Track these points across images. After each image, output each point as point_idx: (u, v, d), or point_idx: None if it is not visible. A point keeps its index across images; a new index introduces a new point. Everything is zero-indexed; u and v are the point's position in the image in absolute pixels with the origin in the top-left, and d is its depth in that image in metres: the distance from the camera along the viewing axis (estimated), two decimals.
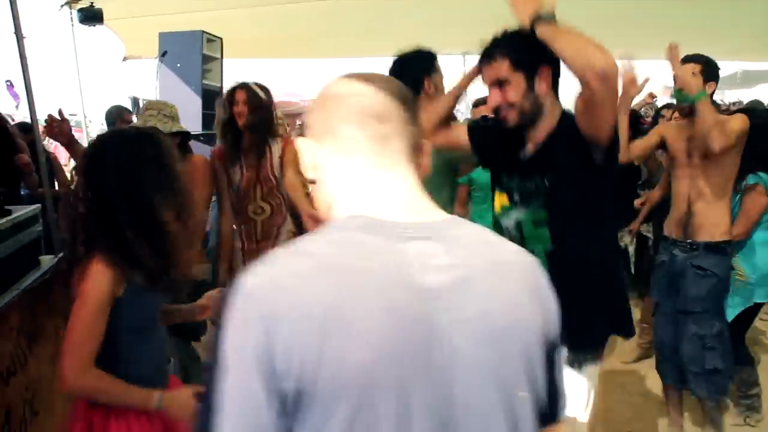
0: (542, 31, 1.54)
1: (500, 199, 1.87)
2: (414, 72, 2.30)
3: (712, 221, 2.61)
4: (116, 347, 1.50)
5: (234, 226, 3.04)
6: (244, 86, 2.90)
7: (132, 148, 1.52)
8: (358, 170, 0.80)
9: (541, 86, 1.66)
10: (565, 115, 1.70)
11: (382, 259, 0.72)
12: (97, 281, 1.44)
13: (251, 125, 2.87)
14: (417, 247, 0.74)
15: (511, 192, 1.83)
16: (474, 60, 1.86)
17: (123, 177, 1.48)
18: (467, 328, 0.73)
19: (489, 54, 1.68)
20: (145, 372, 1.56)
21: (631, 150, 2.87)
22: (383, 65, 2.53)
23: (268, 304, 0.67)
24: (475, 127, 2.03)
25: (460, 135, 2.00)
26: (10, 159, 3.58)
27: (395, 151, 0.80)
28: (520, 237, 1.79)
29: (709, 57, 2.67)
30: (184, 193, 1.55)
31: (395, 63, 2.35)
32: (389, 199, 0.79)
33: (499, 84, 1.67)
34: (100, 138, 1.69)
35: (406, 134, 0.81)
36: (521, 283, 0.79)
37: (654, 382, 3.09)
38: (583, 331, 1.73)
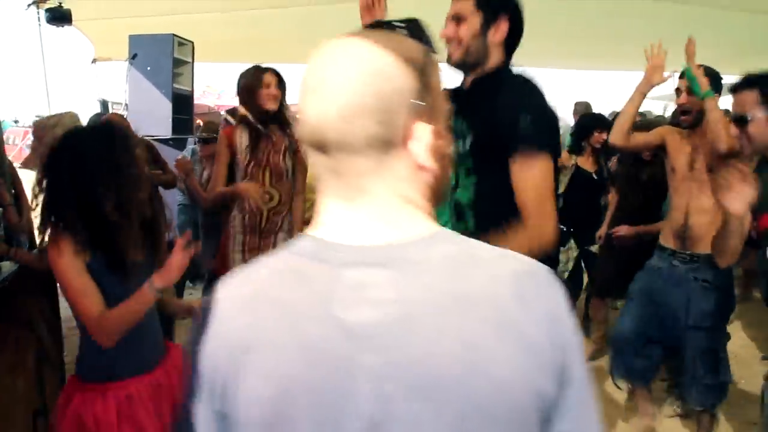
0: None
1: None
2: None
3: (711, 233, 2.45)
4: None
5: (235, 213, 2.92)
6: (271, 70, 2.89)
7: (83, 145, 1.66)
8: (320, 196, 0.71)
9: (495, 35, 1.66)
10: (508, 71, 1.69)
11: (311, 290, 0.66)
12: (59, 249, 1.59)
13: (279, 108, 2.88)
14: (356, 276, 0.65)
15: None
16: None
17: (72, 172, 1.62)
18: (398, 375, 0.62)
19: None
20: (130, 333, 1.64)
21: (633, 138, 2.84)
22: None
23: (211, 330, 0.70)
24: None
25: None
26: None
27: (351, 186, 0.68)
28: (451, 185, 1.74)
29: (716, 70, 2.69)
30: (131, 187, 1.66)
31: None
32: (344, 224, 0.69)
33: (457, 19, 1.69)
34: (62, 135, 1.76)
35: (371, 156, 0.66)
36: (489, 320, 0.63)
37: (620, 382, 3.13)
38: None
